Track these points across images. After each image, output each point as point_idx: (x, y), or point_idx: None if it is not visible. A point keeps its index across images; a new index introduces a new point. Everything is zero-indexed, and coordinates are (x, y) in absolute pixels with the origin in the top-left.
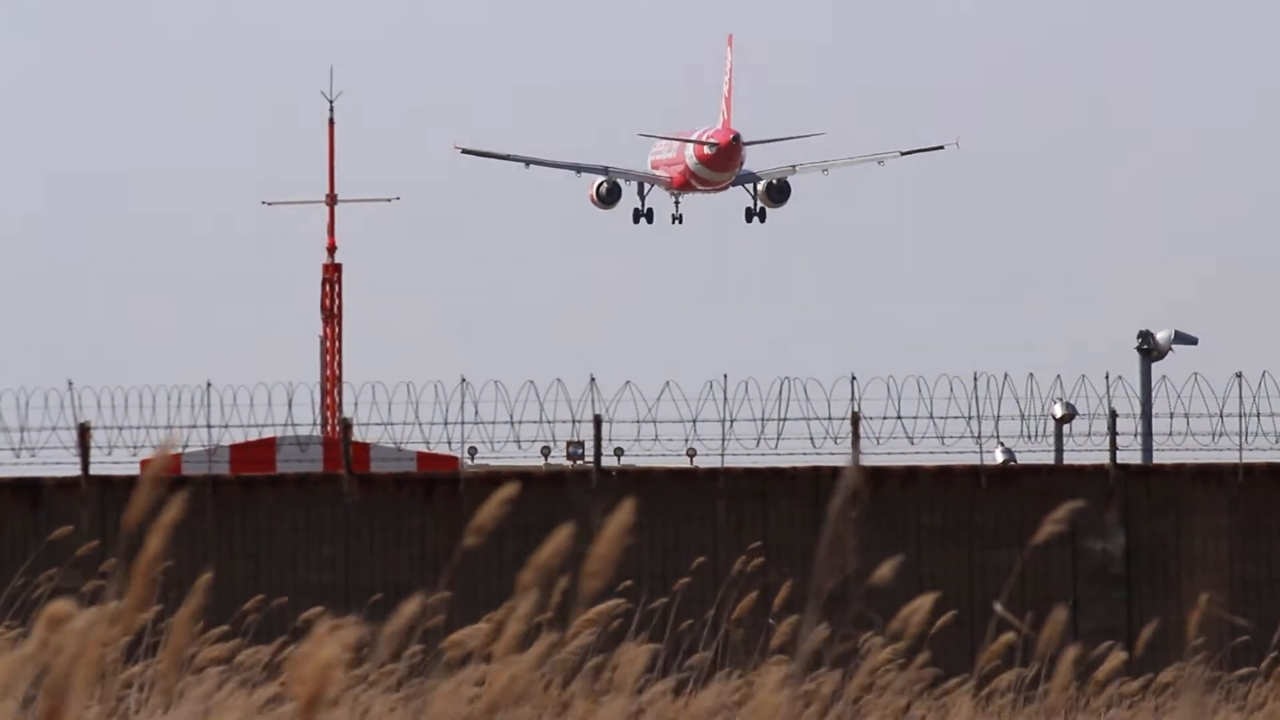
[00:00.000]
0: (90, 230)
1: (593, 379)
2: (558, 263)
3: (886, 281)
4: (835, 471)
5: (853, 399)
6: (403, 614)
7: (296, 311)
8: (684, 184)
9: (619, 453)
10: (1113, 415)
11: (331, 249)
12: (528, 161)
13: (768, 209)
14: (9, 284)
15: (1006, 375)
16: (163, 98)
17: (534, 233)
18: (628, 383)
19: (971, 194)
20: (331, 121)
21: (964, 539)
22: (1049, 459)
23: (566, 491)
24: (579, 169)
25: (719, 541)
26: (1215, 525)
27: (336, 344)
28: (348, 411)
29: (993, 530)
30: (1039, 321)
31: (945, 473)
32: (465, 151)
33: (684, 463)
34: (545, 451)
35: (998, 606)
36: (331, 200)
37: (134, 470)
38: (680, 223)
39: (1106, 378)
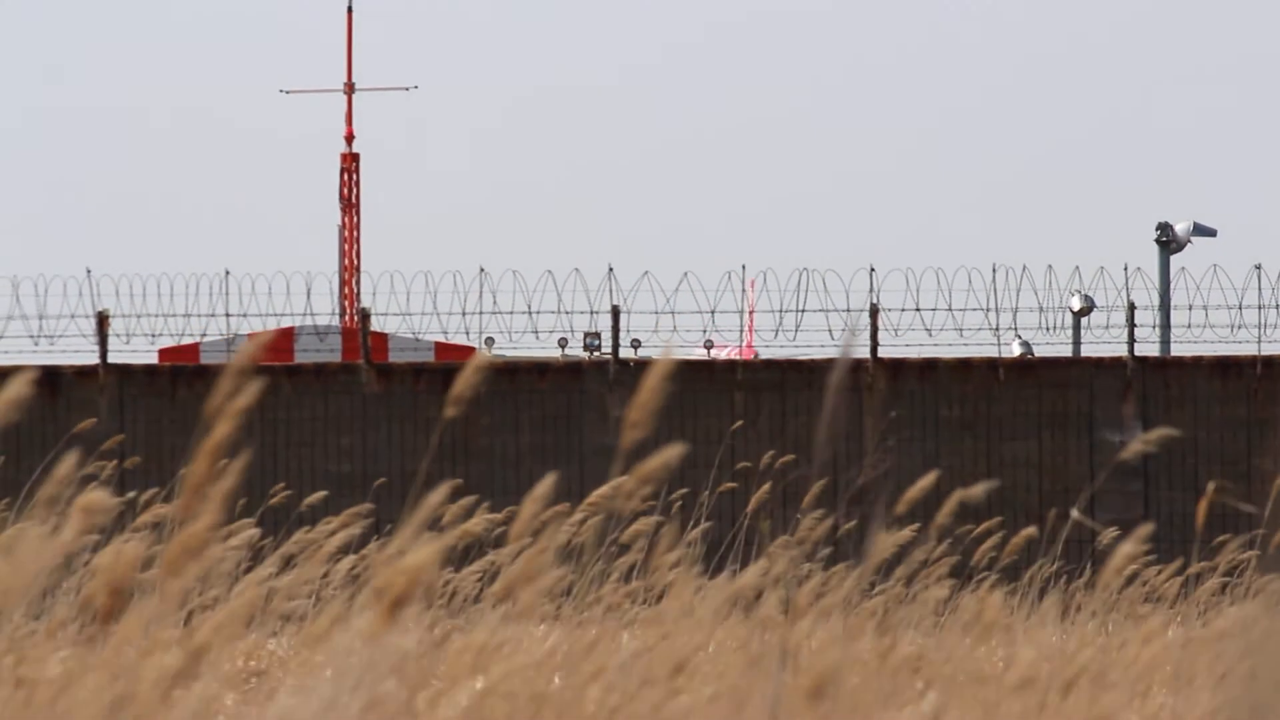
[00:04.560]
0: (106, 118)
1: (610, 269)
2: (575, 152)
3: (904, 172)
4: (855, 363)
5: (871, 290)
6: (427, 504)
7: (314, 200)
8: None
9: (635, 344)
10: (1131, 307)
11: (349, 138)
12: None
13: None
14: (25, 172)
15: (1025, 268)
16: None
17: (552, 122)
18: (646, 273)
19: (988, 86)
20: (350, 9)
21: (981, 431)
22: (1066, 352)
23: (584, 382)
24: None
25: (737, 432)
26: (1233, 417)
27: (354, 234)
28: (365, 301)
29: (1009, 421)
30: (1057, 213)
31: (963, 365)
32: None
33: (701, 355)
34: (562, 343)
35: (1075, 512)
36: (349, 89)
37: (152, 359)
38: None
39: (1125, 270)
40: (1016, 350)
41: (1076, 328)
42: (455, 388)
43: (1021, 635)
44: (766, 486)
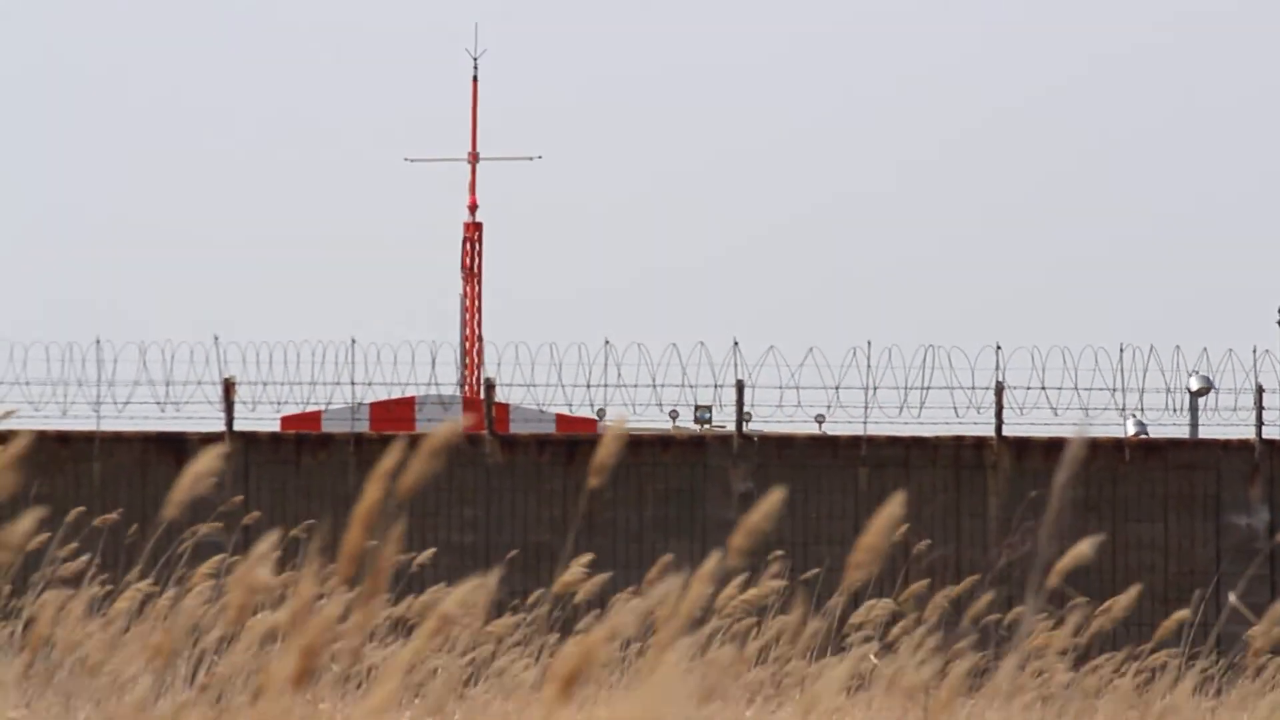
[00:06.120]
0: (236, 188)
1: (736, 342)
2: (700, 225)
3: (1028, 250)
4: (979, 441)
5: (997, 368)
6: (561, 580)
7: (438, 270)
8: None
9: (747, 418)
10: (1259, 390)
11: (473, 207)
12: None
13: None
14: (159, 241)
15: (1152, 348)
16: (306, 54)
17: (676, 194)
18: (771, 347)
19: (1104, 162)
20: (475, 79)
21: (1107, 512)
22: (1184, 433)
23: (707, 456)
24: None
25: (860, 510)
26: None
27: (476, 303)
28: (489, 372)
29: (1135, 502)
30: (1182, 293)
31: (1089, 444)
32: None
33: (814, 429)
34: (673, 415)
35: (1233, 597)
36: (474, 158)
37: (275, 426)
38: None
39: (1254, 351)
40: (1132, 430)
41: (1194, 409)
42: (598, 457)
43: None
44: (922, 581)
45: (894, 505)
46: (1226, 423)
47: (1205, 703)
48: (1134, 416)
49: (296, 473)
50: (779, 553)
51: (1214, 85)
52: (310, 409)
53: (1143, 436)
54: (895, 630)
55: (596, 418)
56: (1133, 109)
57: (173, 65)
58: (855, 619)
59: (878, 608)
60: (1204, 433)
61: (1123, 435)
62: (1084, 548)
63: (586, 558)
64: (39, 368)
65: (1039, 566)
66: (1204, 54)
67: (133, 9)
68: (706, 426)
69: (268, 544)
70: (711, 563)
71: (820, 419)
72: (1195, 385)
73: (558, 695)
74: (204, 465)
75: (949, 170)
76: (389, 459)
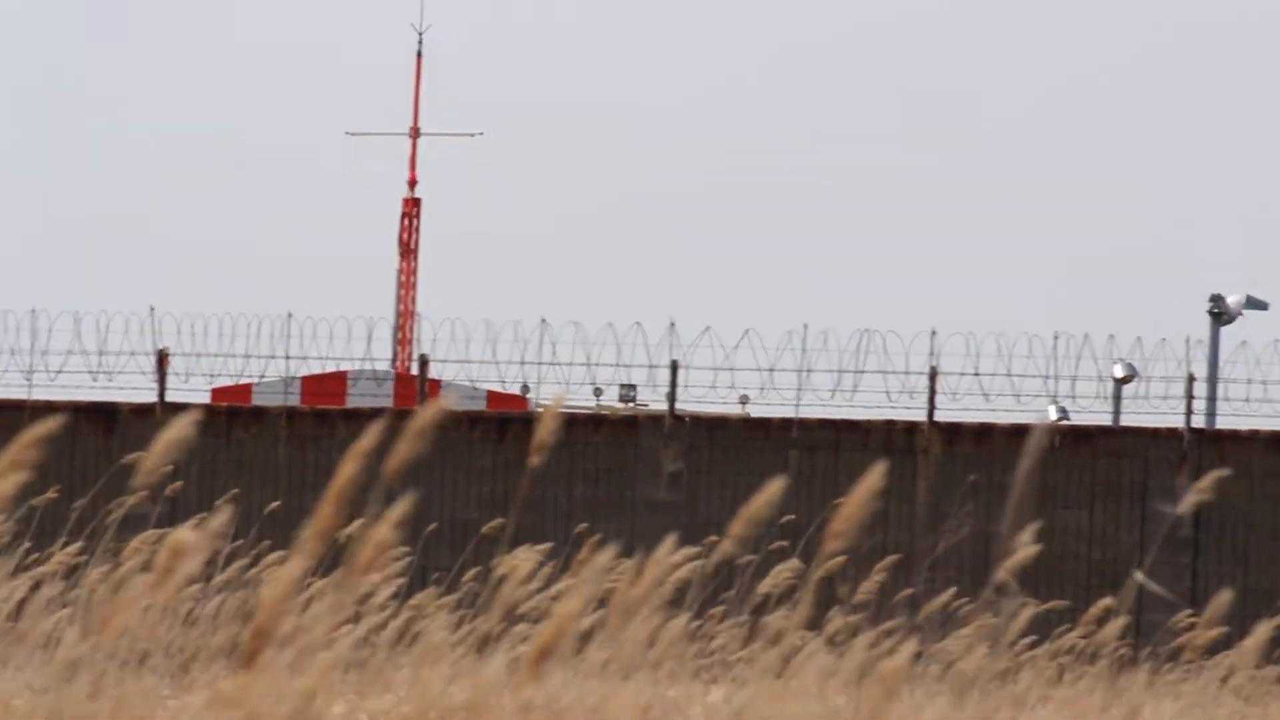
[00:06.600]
0: (170, 156)
1: (672, 324)
2: (635, 208)
3: (964, 236)
4: (911, 426)
5: (931, 354)
6: (504, 560)
7: (376, 244)
8: None
9: (670, 397)
10: (1190, 379)
11: (412, 183)
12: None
13: None
14: (88, 208)
15: (1086, 336)
16: (250, 27)
17: (614, 170)
18: (707, 328)
19: (1041, 151)
20: (420, 54)
21: (1034, 498)
22: (1107, 420)
23: (639, 436)
24: None
25: (789, 492)
26: None
27: (412, 279)
28: (424, 348)
29: (1063, 489)
30: (1114, 283)
31: (1018, 431)
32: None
33: (737, 411)
34: (598, 392)
35: (1139, 575)
36: (415, 133)
37: (206, 398)
38: None
39: (1186, 341)
40: (1054, 416)
41: (1118, 396)
42: (538, 435)
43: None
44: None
45: (874, 477)
46: (1157, 410)
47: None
48: (1055, 402)
49: (227, 445)
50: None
51: (1147, 72)
52: (244, 381)
53: (1066, 423)
54: (833, 621)
55: (524, 395)
56: (1067, 95)
57: (108, 37)
58: (763, 588)
59: (784, 573)
60: (1131, 420)
61: (1048, 421)
62: (1030, 541)
63: (519, 542)
64: None
65: (985, 553)
66: (1136, 43)
67: None
68: (632, 405)
69: (216, 515)
70: (665, 548)
71: (744, 400)
72: (1120, 373)
73: (528, 673)
74: (175, 433)
75: (883, 155)
76: (368, 438)
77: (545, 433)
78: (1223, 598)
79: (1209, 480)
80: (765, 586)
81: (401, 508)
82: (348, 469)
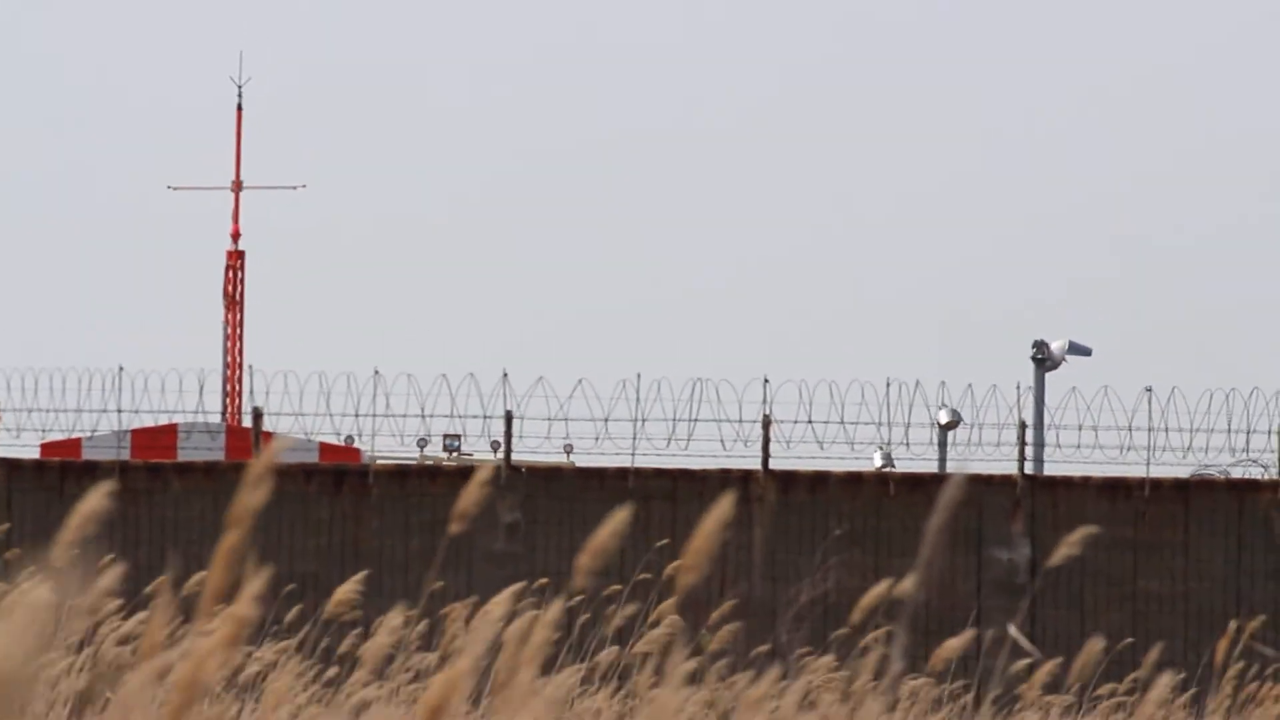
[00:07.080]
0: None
1: (505, 374)
2: (463, 254)
3: (796, 284)
4: (746, 474)
5: (764, 401)
6: (332, 601)
7: (203, 297)
8: None
9: (495, 446)
10: (1022, 425)
11: (235, 236)
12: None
13: None
14: None
15: (918, 383)
16: (70, 79)
17: (441, 219)
18: (540, 379)
19: (879, 198)
20: (240, 107)
21: (869, 545)
22: (933, 467)
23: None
24: None
25: (625, 541)
26: (1120, 539)
27: (238, 331)
28: (258, 400)
29: (899, 536)
30: (943, 329)
31: (854, 478)
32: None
33: (580, 461)
34: (422, 444)
35: (1012, 629)
36: (237, 186)
37: (36, 454)
38: None
39: (1018, 388)
40: (878, 462)
41: (944, 442)
42: (461, 503)
43: None
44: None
45: (724, 506)
46: (990, 458)
47: None
48: (880, 449)
49: (60, 500)
50: (543, 580)
51: (985, 121)
52: (75, 436)
53: (890, 470)
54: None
55: (351, 445)
56: (909, 139)
57: None
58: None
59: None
60: (956, 466)
61: (881, 469)
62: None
63: (354, 584)
64: None
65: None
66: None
67: None
68: (456, 455)
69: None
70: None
71: (569, 449)
72: (944, 418)
73: None
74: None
75: (717, 203)
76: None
77: (468, 502)
78: (1094, 645)
79: (1044, 527)
80: (609, 629)
81: (245, 561)
82: (235, 535)
